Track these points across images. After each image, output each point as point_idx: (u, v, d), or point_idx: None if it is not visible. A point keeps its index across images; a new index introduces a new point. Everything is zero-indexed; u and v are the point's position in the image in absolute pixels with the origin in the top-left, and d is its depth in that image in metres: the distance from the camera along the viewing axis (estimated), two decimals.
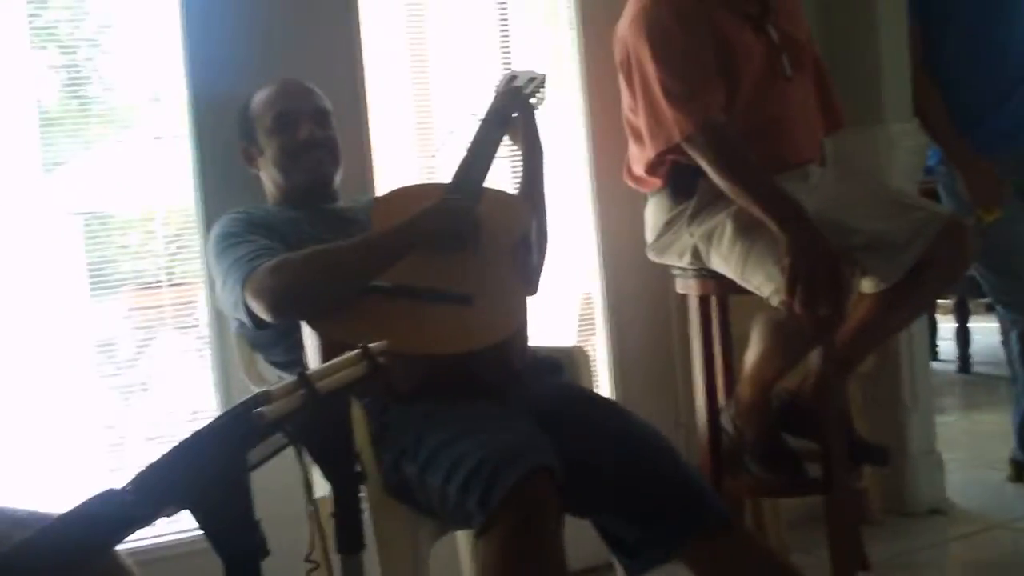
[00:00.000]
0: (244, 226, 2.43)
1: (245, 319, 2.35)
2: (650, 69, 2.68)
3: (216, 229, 2.47)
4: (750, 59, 2.74)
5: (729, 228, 2.67)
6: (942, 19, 3.51)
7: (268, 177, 2.60)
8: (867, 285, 2.70)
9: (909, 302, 2.73)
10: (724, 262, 2.70)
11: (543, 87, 2.81)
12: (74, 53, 2.88)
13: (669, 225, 2.83)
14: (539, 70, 2.86)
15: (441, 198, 2.44)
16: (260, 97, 2.59)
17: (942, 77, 3.52)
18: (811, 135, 2.89)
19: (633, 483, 2.19)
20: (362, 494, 1.90)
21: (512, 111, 2.71)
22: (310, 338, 2.22)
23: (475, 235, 2.42)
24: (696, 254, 2.78)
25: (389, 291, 2.26)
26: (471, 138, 2.63)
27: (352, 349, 1.60)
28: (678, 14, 2.67)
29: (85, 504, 1.27)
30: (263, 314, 2.28)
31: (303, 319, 2.24)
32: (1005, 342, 3.74)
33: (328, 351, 2.10)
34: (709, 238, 2.72)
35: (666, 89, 2.65)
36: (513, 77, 2.81)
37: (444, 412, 2.15)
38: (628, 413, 2.35)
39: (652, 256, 2.92)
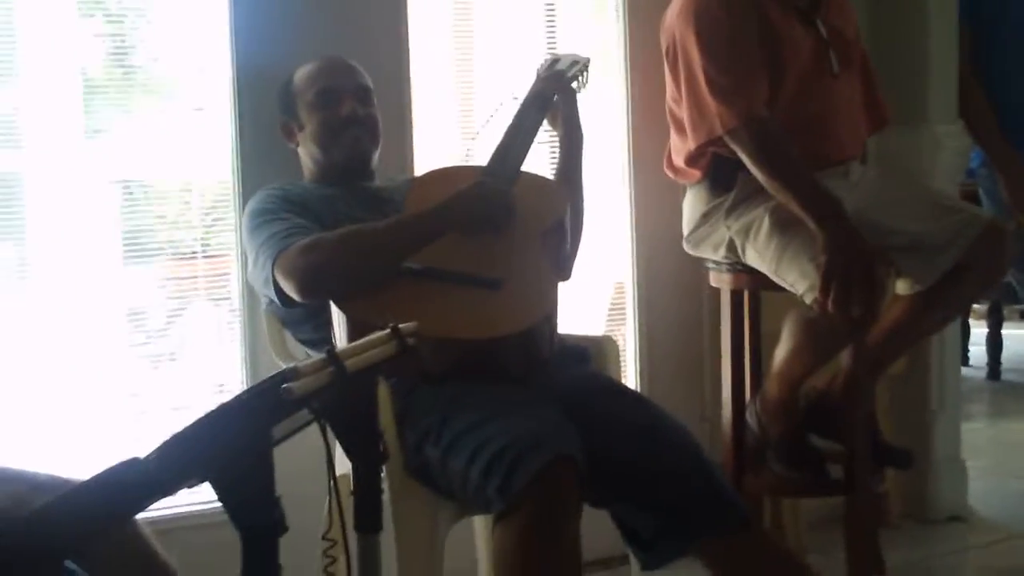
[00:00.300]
0: (279, 203, 2.44)
1: (274, 297, 2.36)
2: (696, 59, 2.67)
3: (251, 204, 2.48)
4: (797, 53, 2.72)
5: (766, 223, 2.66)
6: (993, 19, 3.48)
7: (306, 153, 2.60)
8: (902, 286, 2.68)
9: (944, 305, 2.71)
10: (760, 257, 2.69)
11: (586, 71, 2.80)
12: (121, 22, 2.89)
13: (706, 217, 2.82)
14: (583, 54, 2.84)
15: (476, 181, 2.44)
16: (303, 72, 2.59)
17: (991, 78, 3.50)
18: (855, 133, 2.88)
19: (654, 476, 2.20)
20: (383, 474, 1.91)
21: (553, 94, 2.70)
22: (338, 318, 2.23)
23: (509, 219, 2.41)
24: (732, 248, 2.77)
25: (420, 273, 2.27)
26: (510, 121, 2.63)
27: (379, 330, 1.61)
28: (727, 5, 2.66)
29: (108, 471, 1.28)
30: (292, 293, 2.29)
31: (332, 300, 2.24)
32: None
33: (356, 331, 2.11)
34: (746, 232, 2.71)
35: (711, 80, 2.64)
36: (556, 60, 2.80)
37: (470, 396, 2.16)
38: (654, 406, 2.35)
39: (688, 248, 2.92)
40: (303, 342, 2.50)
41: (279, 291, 2.32)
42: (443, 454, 2.12)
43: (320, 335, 2.38)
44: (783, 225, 2.63)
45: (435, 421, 2.15)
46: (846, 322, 2.52)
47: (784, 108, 2.70)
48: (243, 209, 2.55)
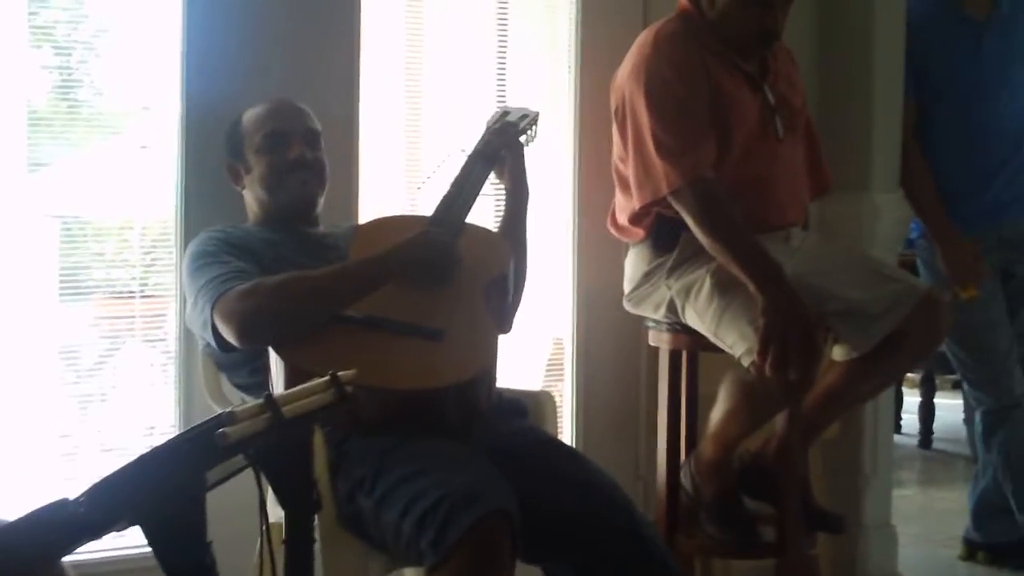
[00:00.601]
0: (220, 245, 2.42)
1: (212, 341, 2.33)
2: (644, 119, 2.69)
3: (192, 247, 2.46)
4: (744, 117, 2.76)
5: (707, 284, 2.68)
6: (934, 97, 3.55)
7: (252, 196, 2.59)
8: (838, 352, 2.71)
9: (879, 373, 2.74)
10: (699, 318, 2.71)
11: (535, 125, 2.81)
12: (69, 55, 2.87)
13: (648, 276, 2.84)
14: (533, 108, 2.86)
15: (421, 231, 2.44)
16: (251, 115, 2.59)
17: (931, 154, 3.56)
18: (797, 198, 2.91)
19: (586, 533, 2.19)
20: (315, 523, 1.89)
21: (501, 148, 2.70)
22: (276, 364, 2.21)
23: (452, 270, 2.41)
24: (672, 307, 2.78)
25: (360, 322, 2.25)
26: (457, 172, 2.63)
27: (317, 378, 1.60)
28: (678, 67, 2.69)
29: (36, 512, 1.26)
30: (231, 338, 2.27)
31: (271, 345, 2.22)
32: (968, 420, 3.76)
33: (293, 378, 2.09)
34: (687, 292, 2.73)
35: (658, 141, 2.66)
36: (505, 113, 2.81)
37: (405, 447, 2.14)
38: (588, 462, 2.34)
39: (628, 307, 2.93)
40: (239, 386, 2.48)
41: (217, 335, 2.29)
42: (376, 505, 2.10)
43: (256, 380, 2.36)
44: (723, 287, 2.65)
45: (369, 471, 2.13)
46: (783, 385, 2.54)
47: (729, 170, 2.73)
48: (184, 250, 2.53)
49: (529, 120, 2.79)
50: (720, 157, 2.71)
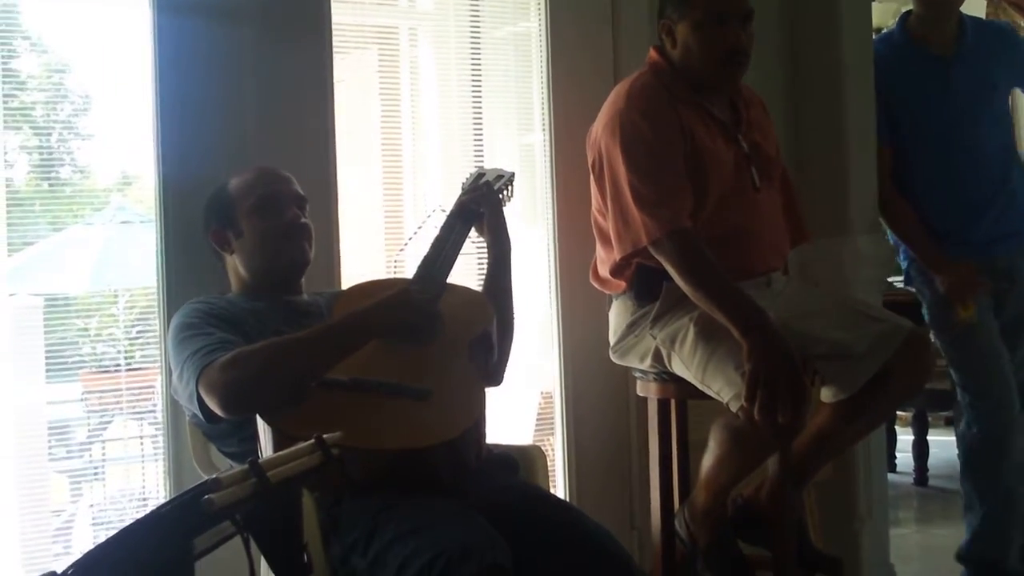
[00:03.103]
0: (204, 317, 2.42)
1: (199, 413, 2.33)
2: (621, 172, 2.71)
3: (176, 319, 2.46)
4: (720, 167, 2.78)
5: (692, 332, 2.69)
6: (912, 140, 3.57)
7: (242, 262, 2.58)
8: (826, 395, 2.71)
9: (868, 413, 2.74)
10: (685, 366, 2.72)
11: (511, 184, 2.85)
12: (48, 135, 2.90)
13: (632, 327, 2.85)
14: (508, 168, 2.89)
15: (401, 289, 2.45)
16: (240, 181, 2.59)
17: (916, 196, 3.57)
18: (777, 245, 2.93)
19: None
20: None
21: (479, 207, 2.73)
22: (264, 431, 2.21)
23: (435, 328, 2.42)
24: (658, 357, 2.79)
25: (345, 386, 2.25)
26: (437, 233, 2.65)
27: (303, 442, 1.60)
28: (651, 119, 2.71)
29: None
30: (217, 410, 2.27)
31: (258, 413, 2.22)
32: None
33: (282, 444, 2.09)
34: (672, 341, 2.74)
35: (636, 193, 2.69)
36: (481, 175, 2.84)
37: (397, 507, 2.14)
38: (582, 514, 2.34)
39: (615, 358, 2.94)
40: (229, 455, 2.47)
41: (204, 407, 2.30)
42: (370, 566, 2.09)
43: (245, 448, 2.35)
44: (708, 334, 2.66)
45: (362, 533, 2.13)
46: (772, 429, 2.54)
47: (707, 220, 2.75)
48: (168, 322, 2.53)
49: (505, 180, 2.82)
50: (698, 207, 2.73)
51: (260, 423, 2.22)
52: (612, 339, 2.92)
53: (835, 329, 2.68)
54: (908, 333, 2.67)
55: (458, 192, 2.80)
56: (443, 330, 2.43)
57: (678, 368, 2.75)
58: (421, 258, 2.59)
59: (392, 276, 2.93)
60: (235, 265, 2.60)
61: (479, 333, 2.54)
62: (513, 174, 2.86)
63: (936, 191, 3.56)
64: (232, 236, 2.58)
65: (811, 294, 2.94)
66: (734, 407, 2.59)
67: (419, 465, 2.22)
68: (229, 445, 2.45)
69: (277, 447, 2.13)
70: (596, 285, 2.96)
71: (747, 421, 2.55)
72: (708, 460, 2.75)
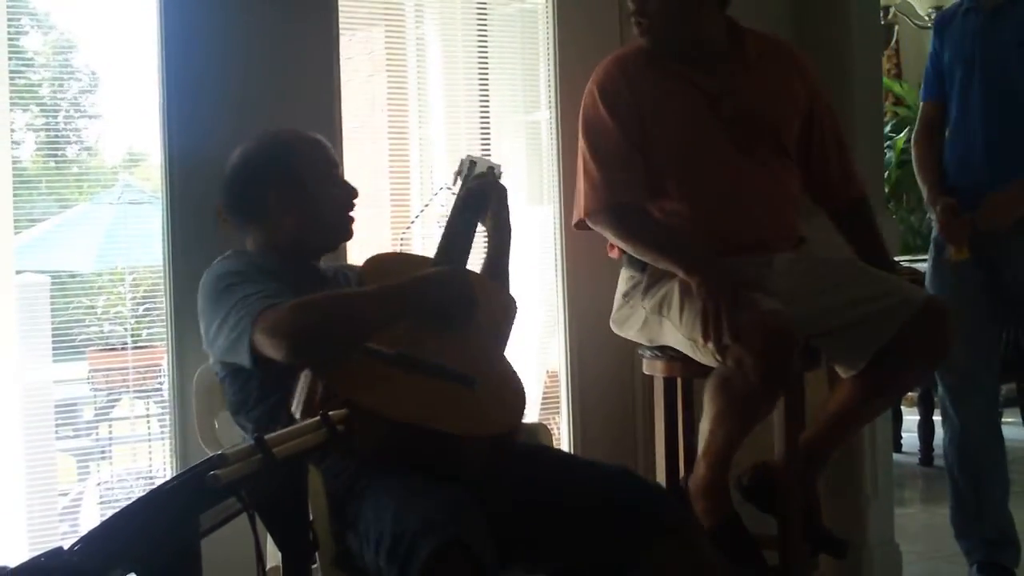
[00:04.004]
0: (248, 268, 2.38)
1: (246, 359, 2.25)
2: (581, 144, 2.81)
3: (213, 272, 2.39)
4: (698, 135, 2.77)
5: (676, 293, 2.68)
6: (953, 97, 3.54)
7: (293, 223, 2.46)
8: (841, 370, 2.71)
9: (885, 390, 2.74)
10: (676, 329, 2.70)
11: (500, 177, 2.83)
12: (55, 115, 2.90)
13: (627, 297, 2.85)
14: (495, 161, 2.86)
15: (451, 268, 2.43)
16: (303, 145, 2.51)
17: (975, 134, 3.48)
18: (777, 217, 2.85)
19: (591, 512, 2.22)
20: (315, 565, 1.89)
21: (487, 197, 2.70)
22: (306, 387, 2.16)
23: (471, 315, 2.39)
24: (649, 329, 2.79)
25: (391, 359, 2.19)
26: (447, 222, 2.62)
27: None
28: (605, 95, 2.78)
29: (30, 562, 1.26)
30: (278, 352, 2.18)
31: (319, 358, 2.18)
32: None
33: (325, 403, 2.06)
34: (660, 307, 2.74)
35: (585, 166, 2.80)
36: (474, 163, 2.81)
37: (378, 486, 2.12)
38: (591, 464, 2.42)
39: (614, 328, 2.93)
40: (247, 428, 2.41)
41: (253, 353, 2.21)
42: (360, 542, 2.09)
43: (265, 417, 2.31)
44: (690, 294, 2.65)
45: (353, 509, 2.13)
46: (757, 363, 2.50)
47: (686, 190, 2.76)
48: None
49: (495, 172, 2.80)
50: (664, 179, 2.76)
51: (305, 379, 2.18)
52: (613, 310, 2.92)
53: (844, 305, 2.67)
54: (922, 304, 2.64)
55: (452, 178, 2.76)
56: (480, 317, 2.41)
57: (670, 336, 2.73)
58: (437, 247, 2.56)
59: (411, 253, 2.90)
60: (275, 226, 2.47)
61: (507, 326, 2.53)
62: (501, 167, 2.84)
63: (993, 124, 3.46)
64: (291, 196, 2.47)
65: (824, 267, 2.84)
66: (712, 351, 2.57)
67: (453, 452, 2.20)
68: (250, 417, 2.38)
69: (314, 405, 2.11)
70: (611, 254, 2.96)
71: (731, 364, 2.53)
72: (704, 424, 2.70)
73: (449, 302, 2.35)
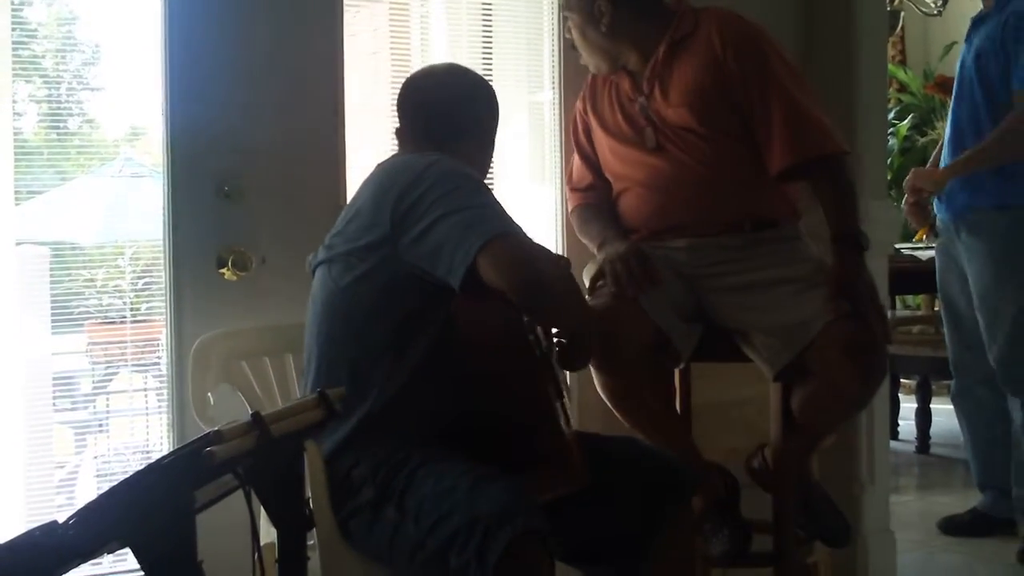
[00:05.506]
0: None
1: (461, 268, 2.09)
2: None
3: (443, 166, 2.26)
4: (616, 142, 2.91)
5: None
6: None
7: (466, 152, 2.43)
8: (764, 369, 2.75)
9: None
10: None
11: None
12: (58, 87, 2.89)
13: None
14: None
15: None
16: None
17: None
18: (695, 201, 2.81)
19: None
20: (310, 542, 1.89)
21: None
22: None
23: None
24: None
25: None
26: None
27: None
28: (576, 110, 3.05)
29: (25, 535, 1.26)
30: (511, 281, 2.09)
31: (536, 317, 2.26)
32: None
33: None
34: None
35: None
36: None
37: (437, 462, 2.12)
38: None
39: None
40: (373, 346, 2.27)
41: (472, 267, 2.09)
42: (402, 516, 2.07)
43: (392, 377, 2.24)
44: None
45: (401, 483, 2.10)
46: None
47: (615, 181, 2.94)
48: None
49: None
50: (602, 178, 2.98)
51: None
52: None
53: (766, 309, 2.72)
54: (818, 333, 2.61)
55: None
56: None
57: None
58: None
59: None
60: (455, 150, 2.40)
61: None
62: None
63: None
64: (489, 130, 2.52)
65: (767, 263, 2.81)
66: None
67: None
68: (381, 364, 2.23)
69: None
70: None
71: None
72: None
73: None
